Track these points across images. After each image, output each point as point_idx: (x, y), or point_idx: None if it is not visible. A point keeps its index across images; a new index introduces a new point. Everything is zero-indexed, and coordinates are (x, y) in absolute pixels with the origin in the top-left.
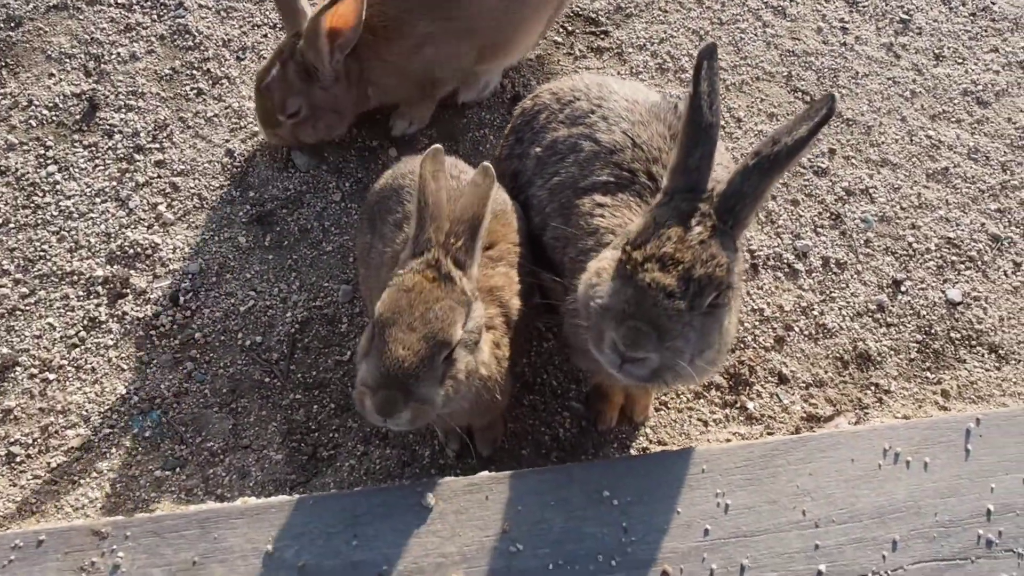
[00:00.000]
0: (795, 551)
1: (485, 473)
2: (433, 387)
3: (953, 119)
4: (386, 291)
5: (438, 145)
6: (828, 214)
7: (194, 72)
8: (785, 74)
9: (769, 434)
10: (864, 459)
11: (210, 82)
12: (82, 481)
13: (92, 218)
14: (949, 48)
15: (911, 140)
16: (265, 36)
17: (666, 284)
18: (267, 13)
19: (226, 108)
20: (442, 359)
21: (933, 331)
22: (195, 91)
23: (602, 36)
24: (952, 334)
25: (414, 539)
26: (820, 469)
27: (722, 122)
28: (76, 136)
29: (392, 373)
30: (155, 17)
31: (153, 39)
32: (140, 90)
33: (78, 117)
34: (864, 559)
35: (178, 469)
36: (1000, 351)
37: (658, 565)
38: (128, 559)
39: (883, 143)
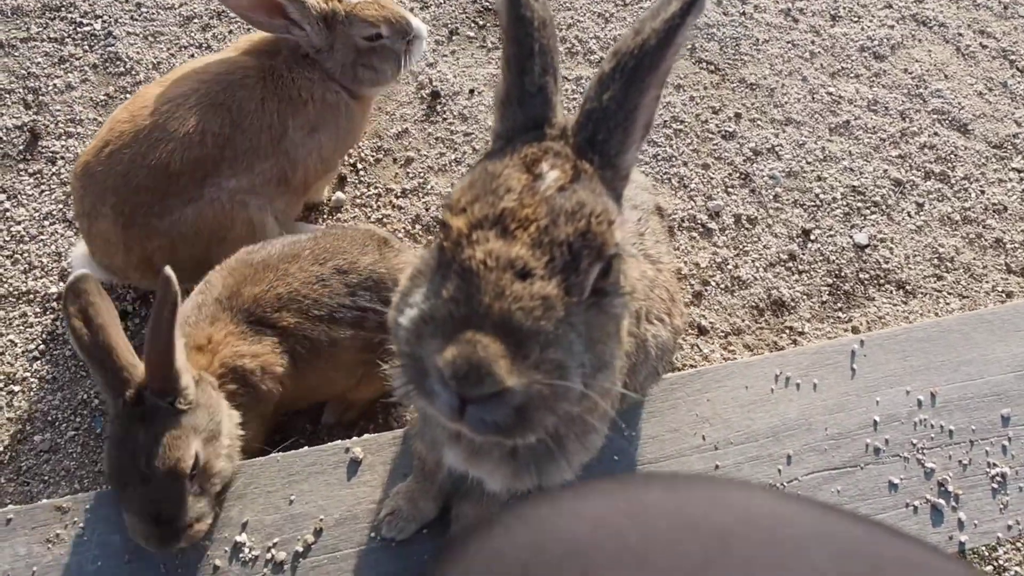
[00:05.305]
0: (698, 472)
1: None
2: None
3: (852, 75)
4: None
5: (81, 271)
6: (738, 174)
7: (127, 96)
8: (688, 47)
9: None
10: (757, 385)
11: None
12: (52, 480)
13: (42, 240)
14: (845, 8)
15: (813, 98)
16: (192, 56)
17: (513, 257)
18: (192, 35)
19: None
20: (189, 481)
21: (843, 274)
22: None
23: None
24: (861, 275)
25: (347, 491)
26: (717, 398)
27: None
28: (21, 165)
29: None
30: (86, 48)
31: (87, 68)
32: (78, 117)
33: (21, 148)
34: (761, 474)
35: None
36: (907, 287)
37: None
38: (89, 529)
39: (786, 103)
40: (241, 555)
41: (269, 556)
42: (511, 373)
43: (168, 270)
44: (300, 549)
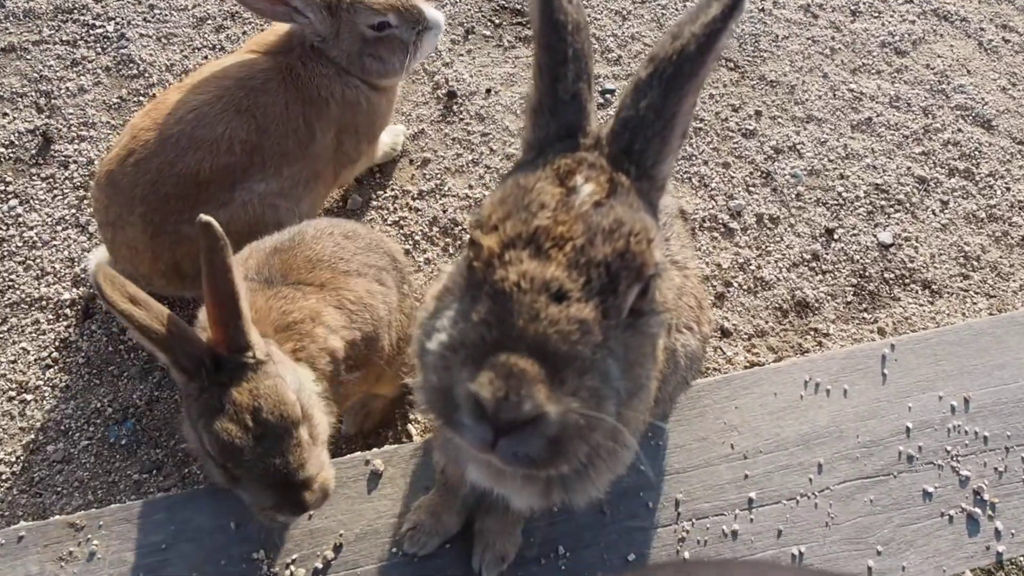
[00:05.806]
0: (726, 482)
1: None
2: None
3: (873, 71)
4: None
5: (98, 262)
6: (759, 173)
7: (141, 99)
8: None
9: None
10: (786, 392)
11: None
12: (64, 492)
13: (55, 245)
14: (865, 3)
15: (834, 95)
16: (205, 58)
17: (548, 278)
18: (205, 36)
19: None
20: (299, 432)
21: (867, 273)
22: None
23: (528, 26)
24: (886, 275)
25: (367, 504)
26: (745, 405)
27: None
28: (34, 170)
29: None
30: (99, 50)
31: (99, 71)
32: (91, 120)
33: (34, 151)
34: (792, 483)
35: (155, 471)
36: (933, 286)
37: (596, 505)
38: (103, 546)
39: (807, 100)
40: (259, 573)
41: (288, 573)
42: (549, 399)
43: (205, 216)
44: (320, 566)
